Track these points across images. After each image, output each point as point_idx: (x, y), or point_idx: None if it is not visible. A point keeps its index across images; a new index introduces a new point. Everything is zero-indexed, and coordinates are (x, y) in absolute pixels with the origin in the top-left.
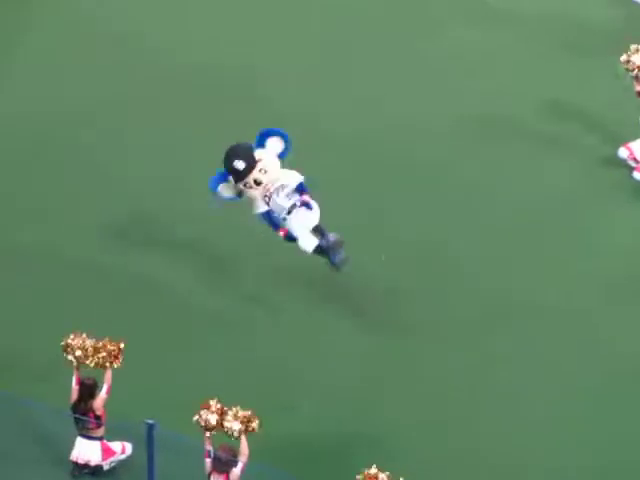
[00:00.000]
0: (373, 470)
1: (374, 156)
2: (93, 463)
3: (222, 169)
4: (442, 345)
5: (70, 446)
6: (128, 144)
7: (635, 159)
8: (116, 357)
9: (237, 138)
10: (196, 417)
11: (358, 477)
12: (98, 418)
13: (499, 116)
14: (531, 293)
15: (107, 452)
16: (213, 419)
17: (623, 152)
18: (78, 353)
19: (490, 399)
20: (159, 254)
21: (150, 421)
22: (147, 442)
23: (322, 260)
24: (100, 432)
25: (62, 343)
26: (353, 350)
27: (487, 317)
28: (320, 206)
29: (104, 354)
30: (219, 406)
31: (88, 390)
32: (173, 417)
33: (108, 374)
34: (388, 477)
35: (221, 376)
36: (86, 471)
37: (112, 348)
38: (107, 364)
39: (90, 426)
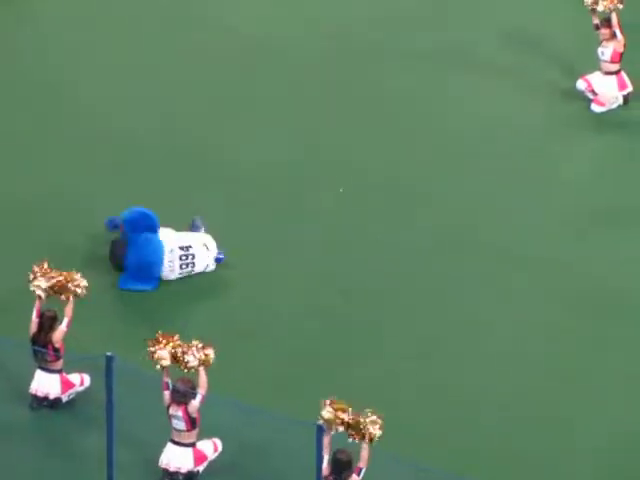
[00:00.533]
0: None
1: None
2: (52, 396)
3: None
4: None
5: (29, 379)
6: None
7: (593, 91)
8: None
9: None
10: (151, 351)
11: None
12: (57, 351)
13: (459, 47)
14: (494, 227)
15: (66, 384)
16: (165, 354)
17: (581, 84)
18: (43, 285)
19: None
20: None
21: (109, 353)
22: (106, 374)
23: None
24: (59, 365)
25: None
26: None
27: (450, 251)
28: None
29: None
30: (174, 342)
31: (48, 322)
32: (133, 351)
33: (69, 307)
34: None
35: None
36: (45, 403)
37: (77, 281)
38: (70, 296)
39: (49, 358)
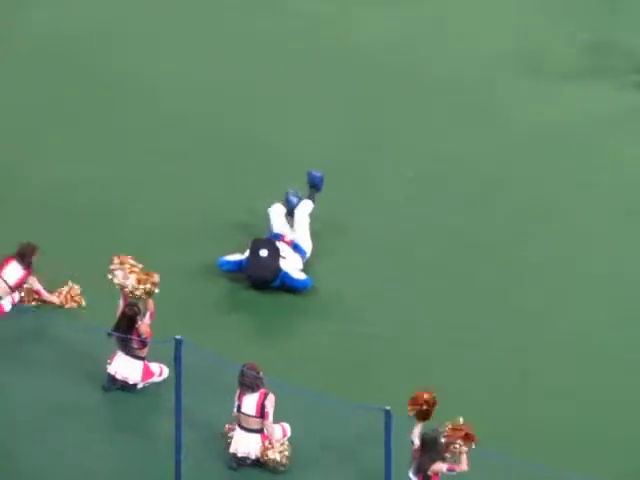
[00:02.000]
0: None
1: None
2: (131, 381)
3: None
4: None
5: (100, 361)
6: None
7: None
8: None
9: None
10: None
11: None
12: (143, 338)
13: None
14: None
15: (147, 373)
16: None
17: None
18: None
19: None
20: None
21: (178, 337)
22: (175, 358)
23: None
24: (144, 352)
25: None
26: None
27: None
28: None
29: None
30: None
31: (130, 318)
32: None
33: (150, 303)
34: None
35: None
36: (118, 387)
37: (154, 280)
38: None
39: (135, 345)
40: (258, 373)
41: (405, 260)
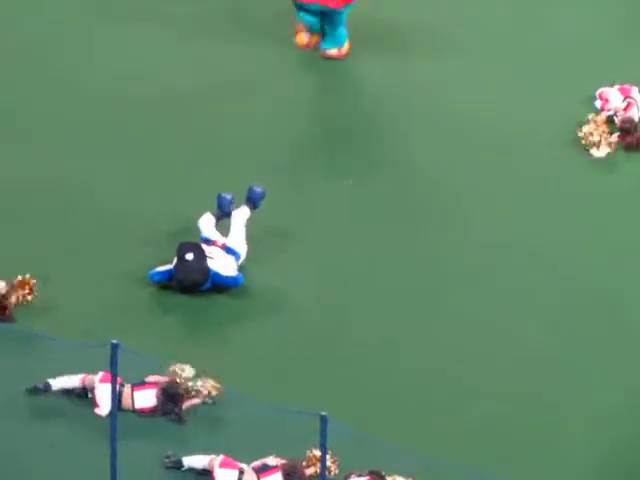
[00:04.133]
0: None
1: None
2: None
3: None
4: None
5: None
6: None
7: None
8: None
9: None
10: None
11: None
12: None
13: None
14: None
15: None
16: None
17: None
18: None
19: None
20: None
21: (114, 341)
22: (111, 363)
23: None
24: None
25: None
26: None
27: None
28: None
29: None
30: None
31: None
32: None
33: None
34: None
35: None
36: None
37: None
38: None
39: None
40: None
41: (342, 263)
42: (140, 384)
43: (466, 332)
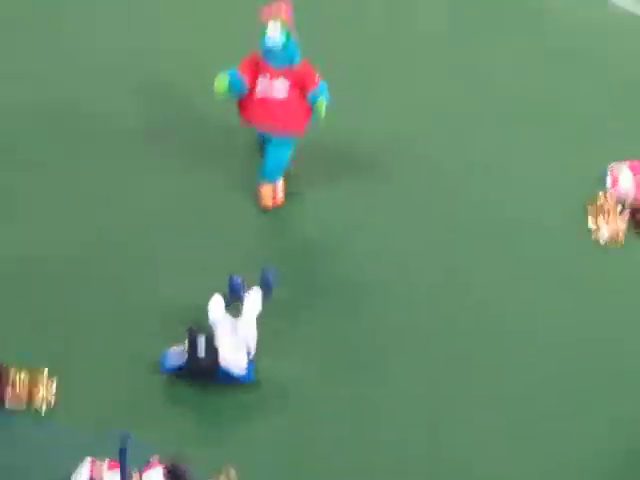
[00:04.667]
0: None
1: None
2: None
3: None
4: None
5: None
6: None
7: None
8: None
9: None
10: None
11: None
12: None
13: None
14: None
15: None
16: None
17: None
18: None
19: None
20: None
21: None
22: (120, 452)
23: None
24: None
25: None
26: None
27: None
28: None
29: None
30: None
31: None
32: None
33: None
34: None
35: None
36: None
37: None
38: None
39: None
40: None
41: (350, 354)
42: (146, 465)
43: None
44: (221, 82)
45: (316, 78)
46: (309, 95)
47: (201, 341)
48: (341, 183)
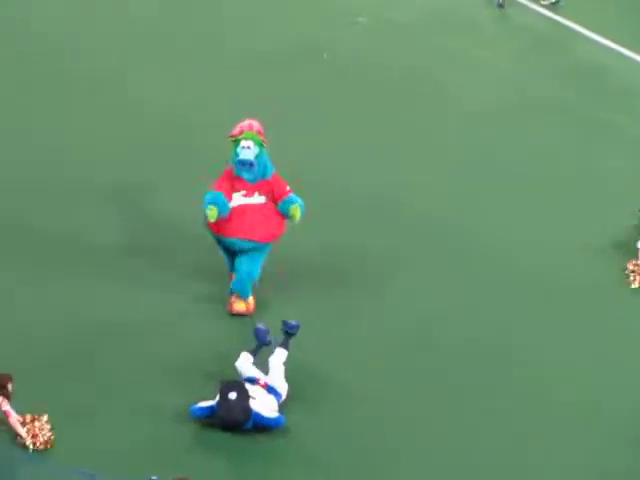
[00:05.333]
0: None
1: None
2: None
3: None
4: None
5: None
6: None
7: None
8: None
9: None
10: None
11: None
12: None
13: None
14: None
15: None
16: None
17: None
18: None
19: None
20: None
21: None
22: None
23: None
24: None
25: None
26: None
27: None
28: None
29: None
30: None
31: None
32: None
33: None
34: None
35: None
36: None
37: None
38: None
39: None
40: None
41: (376, 412)
42: None
43: None
44: (213, 212)
45: (287, 188)
46: (281, 203)
47: (233, 394)
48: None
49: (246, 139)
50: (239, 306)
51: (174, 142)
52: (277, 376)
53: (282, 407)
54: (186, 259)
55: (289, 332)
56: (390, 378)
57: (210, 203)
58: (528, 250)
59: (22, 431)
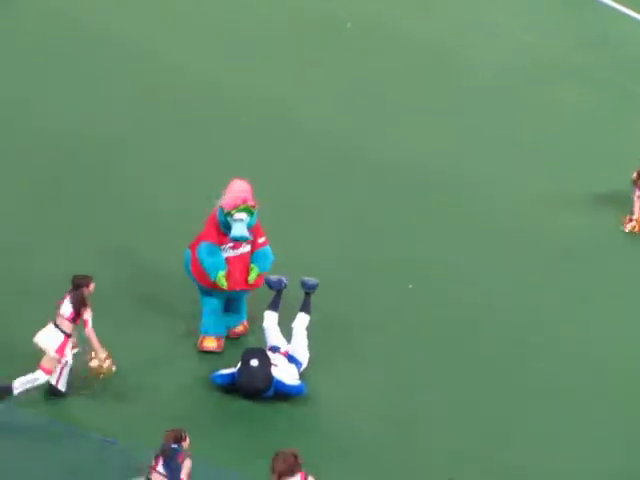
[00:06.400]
0: None
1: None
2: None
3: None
4: None
5: None
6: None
7: None
8: None
9: None
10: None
11: None
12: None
13: None
14: None
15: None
16: None
17: None
18: None
19: None
20: None
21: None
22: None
23: None
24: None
25: None
26: None
27: None
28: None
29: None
30: None
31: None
32: None
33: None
34: None
35: None
36: None
37: None
38: None
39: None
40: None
41: (402, 372)
42: None
43: None
44: (223, 279)
45: (260, 240)
46: (252, 255)
47: (254, 361)
48: None
49: (239, 212)
50: (209, 344)
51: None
52: (299, 343)
53: (303, 375)
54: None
55: (308, 291)
56: (413, 344)
57: (215, 269)
58: (535, 202)
59: (97, 343)
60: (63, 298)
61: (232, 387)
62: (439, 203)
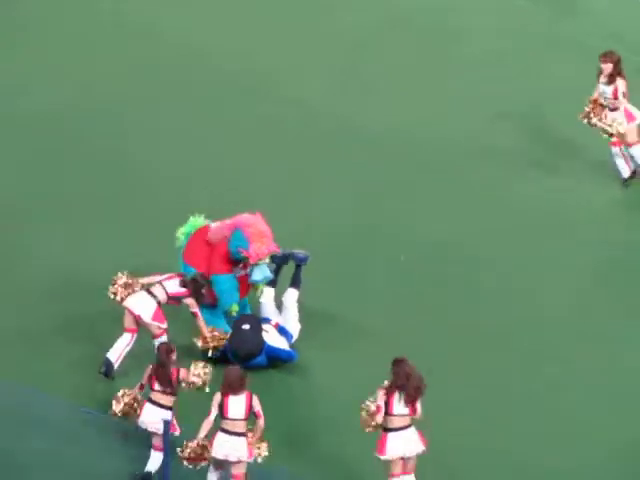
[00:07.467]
0: None
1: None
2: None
3: None
4: None
5: None
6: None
7: None
8: None
9: None
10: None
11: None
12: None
13: None
14: None
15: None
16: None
17: None
18: None
19: None
20: None
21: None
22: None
23: None
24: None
25: None
26: None
27: None
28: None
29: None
30: None
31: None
32: None
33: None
34: None
35: None
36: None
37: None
38: None
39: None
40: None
41: (392, 345)
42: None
43: None
44: (236, 306)
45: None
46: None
47: (246, 325)
48: None
49: (262, 264)
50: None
51: None
52: (290, 317)
53: (294, 347)
54: None
55: (299, 264)
56: (402, 316)
57: (231, 301)
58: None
59: (207, 332)
60: (169, 276)
61: (225, 356)
62: (434, 172)
